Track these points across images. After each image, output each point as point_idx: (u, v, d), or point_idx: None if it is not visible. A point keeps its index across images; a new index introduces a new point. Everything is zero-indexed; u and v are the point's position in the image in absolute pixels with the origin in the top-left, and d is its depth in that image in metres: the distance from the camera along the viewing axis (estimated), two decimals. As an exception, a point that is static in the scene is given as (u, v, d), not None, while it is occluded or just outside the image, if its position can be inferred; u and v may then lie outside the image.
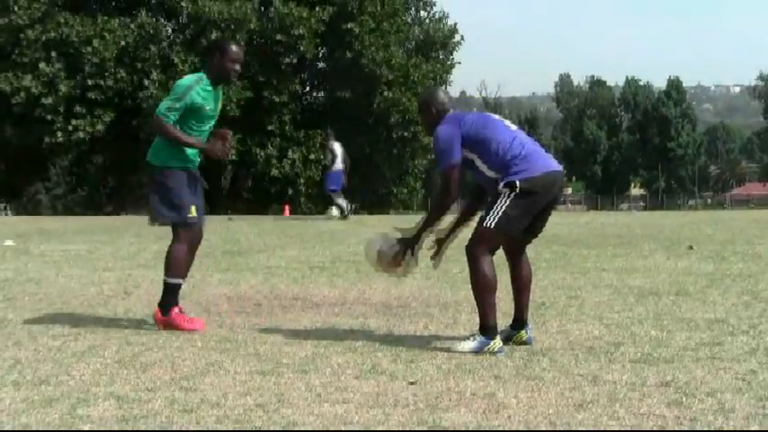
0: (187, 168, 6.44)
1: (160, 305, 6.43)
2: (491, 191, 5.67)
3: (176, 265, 6.43)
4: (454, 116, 5.84)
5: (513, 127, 5.83)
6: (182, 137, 6.31)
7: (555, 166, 5.74)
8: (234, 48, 6.50)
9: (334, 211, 20.28)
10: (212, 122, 6.57)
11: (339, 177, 20.27)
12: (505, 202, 5.53)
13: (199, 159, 6.57)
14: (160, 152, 6.43)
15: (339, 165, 20.33)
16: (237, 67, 6.50)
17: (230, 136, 6.68)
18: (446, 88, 34.44)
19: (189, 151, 6.42)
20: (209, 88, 6.42)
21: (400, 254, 6.01)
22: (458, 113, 5.90)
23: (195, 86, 6.36)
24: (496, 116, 5.96)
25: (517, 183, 5.52)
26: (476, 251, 5.57)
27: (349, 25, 38.82)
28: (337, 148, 20.67)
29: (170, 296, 6.43)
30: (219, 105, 6.61)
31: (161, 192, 6.42)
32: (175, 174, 6.39)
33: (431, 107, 5.92)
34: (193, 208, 6.41)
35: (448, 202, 5.78)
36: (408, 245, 6.04)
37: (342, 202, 20.52)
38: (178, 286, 6.48)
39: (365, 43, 38.78)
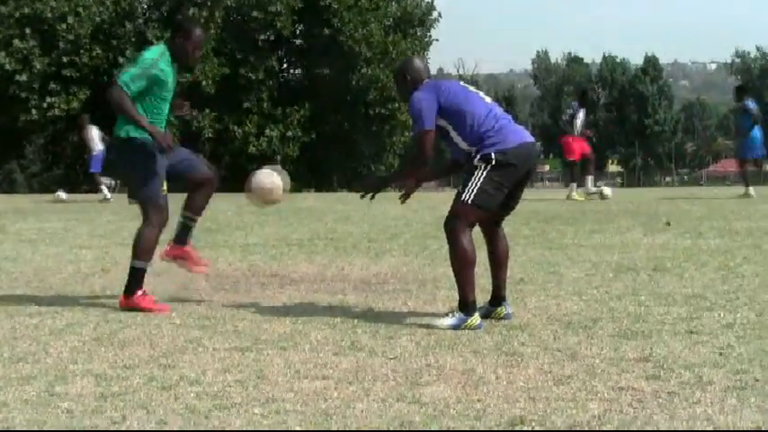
0: (151, 142, 6.26)
1: (125, 289, 6.31)
2: (465, 164, 5.67)
3: (143, 249, 6.31)
4: (432, 83, 5.83)
5: (489, 100, 5.83)
6: (135, 115, 6.17)
7: (528, 137, 5.76)
8: (197, 32, 6.45)
9: (105, 191, 20.50)
10: (170, 97, 6.49)
11: (100, 159, 20.45)
12: (481, 175, 5.53)
13: (164, 126, 6.46)
14: (121, 124, 6.33)
15: (99, 146, 20.45)
16: (198, 52, 6.48)
17: (187, 107, 6.71)
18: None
19: (150, 120, 6.28)
20: (172, 62, 6.38)
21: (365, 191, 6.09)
22: (435, 81, 5.89)
23: (160, 60, 6.30)
24: (472, 88, 5.95)
25: (492, 155, 5.52)
26: (454, 227, 5.57)
27: (327, 1, 38.67)
28: (94, 131, 20.78)
29: (134, 280, 6.30)
30: (177, 79, 6.55)
31: (128, 168, 6.38)
32: (143, 148, 6.26)
33: (406, 75, 5.90)
34: (164, 186, 6.34)
35: (419, 164, 5.82)
36: (368, 186, 6.11)
37: (106, 181, 20.78)
38: (143, 270, 6.34)
39: (344, 20, 38.66)
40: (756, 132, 18.14)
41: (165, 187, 6.40)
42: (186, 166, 6.52)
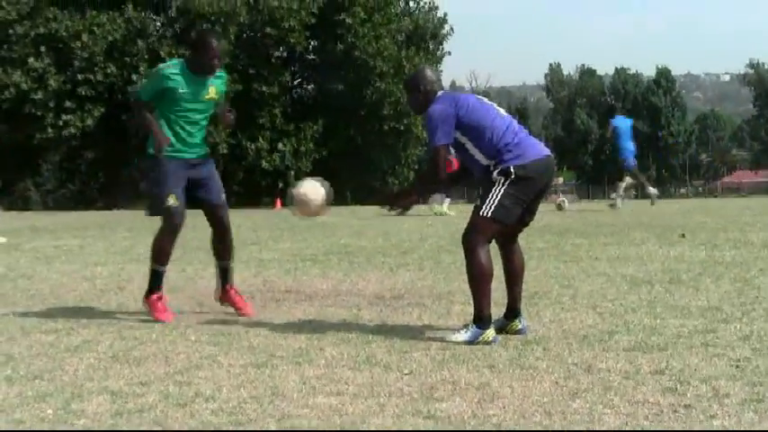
0: (175, 157, 6.52)
1: (147, 291, 6.68)
2: (482, 178, 5.65)
3: (157, 253, 6.63)
4: (449, 96, 5.79)
5: (504, 113, 5.81)
6: (144, 118, 6.51)
7: (546, 151, 5.75)
8: (213, 42, 6.57)
9: None
10: (202, 109, 6.63)
11: None
12: (500, 189, 5.52)
13: (197, 150, 6.64)
14: (150, 142, 6.56)
15: None
16: (217, 61, 6.58)
17: (231, 116, 6.94)
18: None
19: (176, 141, 6.52)
20: (187, 72, 6.51)
21: (388, 206, 6.20)
22: (452, 94, 5.86)
23: (167, 69, 6.54)
24: (488, 101, 5.92)
25: (512, 169, 5.51)
26: (473, 240, 5.56)
27: (341, 16, 38.78)
28: None
29: (151, 281, 6.63)
30: (210, 91, 6.64)
31: (149, 182, 6.72)
32: (161, 163, 6.50)
33: (419, 85, 5.87)
34: (171, 197, 6.48)
35: (435, 180, 5.80)
36: (390, 201, 6.20)
37: None
38: (159, 273, 6.64)
39: (358, 35, 38.76)
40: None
41: (178, 201, 6.51)
42: (204, 189, 6.70)
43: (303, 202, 6.27)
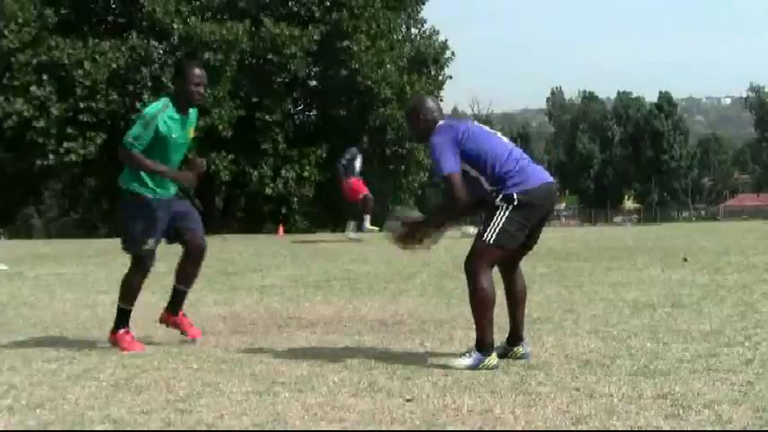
0: (154, 195, 6.49)
1: (113, 327, 6.69)
2: (486, 204, 5.66)
3: (126, 292, 6.67)
4: (449, 126, 5.80)
5: (506, 140, 5.83)
6: (149, 165, 6.38)
7: (548, 177, 5.76)
8: (195, 71, 6.48)
9: None
10: (183, 150, 6.63)
11: None
12: (503, 215, 5.53)
13: (173, 188, 6.59)
14: (125, 175, 6.53)
15: None
16: (201, 89, 6.50)
17: (203, 165, 6.83)
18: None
19: (156, 179, 6.47)
20: (177, 116, 6.45)
21: (407, 235, 6.05)
22: (452, 123, 5.86)
23: (160, 115, 6.39)
24: (489, 129, 5.94)
25: (515, 195, 5.52)
26: (475, 266, 5.56)
27: (344, 43, 38.91)
28: None
29: (117, 319, 6.66)
30: (190, 131, 6.63)
31: (123, 218, 6.64)
32: (138, 200, 6.48)
33: (419, 114, 5.90)
34: (151, 241, 6.50)
35: (452, 208, 5.74)
36: (414, 230, 6.05)
37: None
38: (127, 311, 6.66)
39: (362, 61, 38.87)
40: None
41: (155, 244, 6.55)
42: (187, 219, 6.69)
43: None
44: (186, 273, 6.78)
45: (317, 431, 3.74)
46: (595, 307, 7.98)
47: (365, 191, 19.31)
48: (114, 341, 6.59)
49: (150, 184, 6.48)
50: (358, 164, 19.30)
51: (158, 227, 6.52)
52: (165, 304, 6.92)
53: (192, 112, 6.64)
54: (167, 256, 6.89)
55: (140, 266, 6.60)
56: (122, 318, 6.66)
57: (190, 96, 6.47)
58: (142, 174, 6.44)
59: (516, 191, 5.56)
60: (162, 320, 6.90)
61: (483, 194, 5.71)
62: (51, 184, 41.95)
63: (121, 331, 6.59)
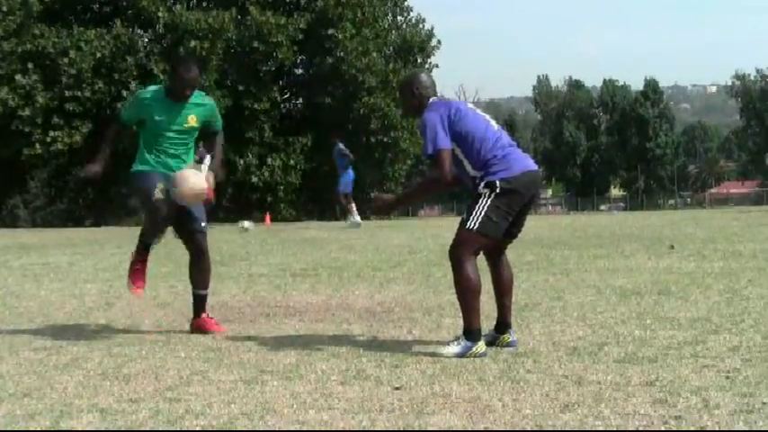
0: (155, 171, 6.55)
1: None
2: (470, 189, 5.65)
3: (147, 231, 6.63)
4: (442, 102, 5.77)
5: (496, 126, 5.79)
6: (106, 139, 6.81)
7: (533, 165, 5.74)
8: (185, 75, 6.47)
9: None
10: (179, 137, 6.60)
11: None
12: (486, 202, 5.52)
13: (174, 168, 6.55)
14: (137, 159, 6.66)
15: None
16: (188, 91, 6.52)
17: (220, 176, 6.93)
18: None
19: (161, 158, 6.55)
20: (166, 99, 6.52)
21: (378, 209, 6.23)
22: (445, 101, 5.81)
23: (143, 94, 6.66)
24: (480, 111, 5.90)
25: (497, 182, 5.51)
26: (459, 254, 5.56)
27: (329, 31, 38.84)
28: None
29: (137, 250, 6.70)
30: (188, 119, 6.58)
31: (132, 193, 6.79)
32: (137, 175, 6.60)
33: (413, 88, 5.83)
34: (156, 191, 6.40)
35: (442, 181, 5.67)
36: (381, 209, 6.17)
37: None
38: (148, 244, 6.66)
39: (347, 49, 38.81)
40: (351, 171, 21.53)
41: (163, 194, 6.47)
42: (187, 216, 6.67)
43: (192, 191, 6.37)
44: (194, 277, 6.82)
45: (308, 431, 3.73)
46: (583, 294, 8.00)
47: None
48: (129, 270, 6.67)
49: (152, 163, 6.55)
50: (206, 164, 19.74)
51: (159, 179, 6.49)
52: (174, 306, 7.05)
53: (198, 95, 6.64)
54: (167, 256, 6.86)
55: (152, 214, 6.51)
56: (143, 249, 6.65)
57: (177, 95, 6.52)
58: (146, 156, 6.56)
59: (498, 177, 5.53)
60: (191, 327, 6.78)
61: (465, 179, 5.70)
62: (37, 173, 41.77)
63: (138, 262, 6.64)
